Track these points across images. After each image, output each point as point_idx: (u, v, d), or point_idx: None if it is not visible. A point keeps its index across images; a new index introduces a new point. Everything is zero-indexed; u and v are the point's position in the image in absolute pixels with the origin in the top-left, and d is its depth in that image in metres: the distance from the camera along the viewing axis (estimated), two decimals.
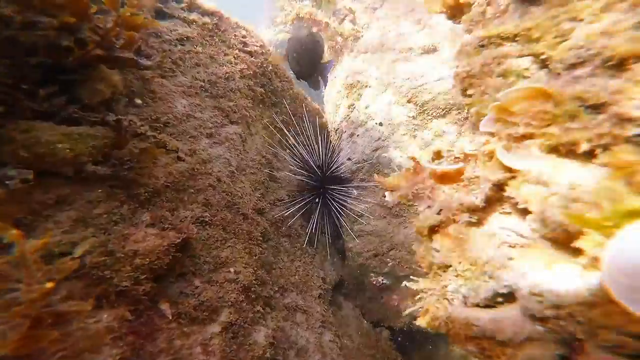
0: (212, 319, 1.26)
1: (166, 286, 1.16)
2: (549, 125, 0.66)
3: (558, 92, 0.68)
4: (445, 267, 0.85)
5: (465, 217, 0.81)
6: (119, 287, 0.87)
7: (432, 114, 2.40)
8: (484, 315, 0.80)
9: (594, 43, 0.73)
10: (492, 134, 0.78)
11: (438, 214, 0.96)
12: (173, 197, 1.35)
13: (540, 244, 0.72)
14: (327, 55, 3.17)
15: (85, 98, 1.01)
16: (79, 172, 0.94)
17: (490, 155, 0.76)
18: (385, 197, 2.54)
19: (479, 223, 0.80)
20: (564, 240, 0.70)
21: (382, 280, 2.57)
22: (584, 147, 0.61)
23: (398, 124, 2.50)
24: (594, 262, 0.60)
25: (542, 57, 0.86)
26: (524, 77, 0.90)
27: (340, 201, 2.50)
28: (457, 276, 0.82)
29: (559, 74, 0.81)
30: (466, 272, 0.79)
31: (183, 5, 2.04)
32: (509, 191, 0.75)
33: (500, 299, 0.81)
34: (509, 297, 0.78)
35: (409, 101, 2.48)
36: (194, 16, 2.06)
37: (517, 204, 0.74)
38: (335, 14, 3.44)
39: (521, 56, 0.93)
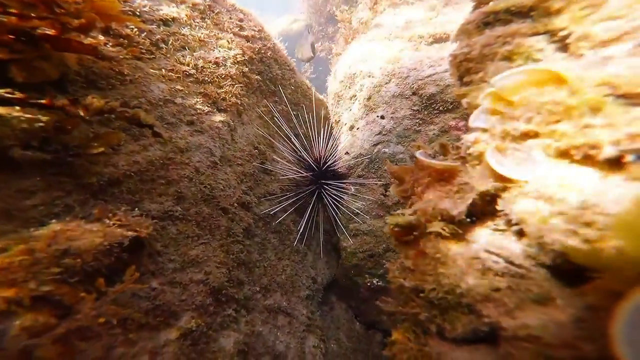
0: (168, 324, 1.15)
1: None
2: (559, 121, 0.48)
3: (577, 76, 0.50)
4: (418, 291, 0.69)
5: (437, 225, 0.64)
6: (37, 291, 0.77)
7: (439, 108, 2.19)
8: (459, 355, 0.65)
9: (637, 12, 0.54)
10: (484, 130, 0.61)
11: (413, 214, 0.80)
12: (137, 188, 1.24)
13: (535, 274, 0.55)
14: None
15: (17, 77, 0.89)
16: (3, 158, 0.83)
17: (480, 159, 0.59)
18: (383, 194, 2.36)
19: (457, 238, 0.63)
20: (566, 270, 0.53)
21: (377, 281, 2.44)
22: (608, 151, 0.43)
23: (401, 117, 2.30)
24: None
25: (563, 33, 0.67)
26: (534, 60, 0.71)
27: (336, 197, 2.34)
28: (430, 304, 0.67)
29: (582, 55, 0.62)
30: (441, 301, 0.63)
31: None
32: (501, 205, 0.58)
33: (481, 335, 0.65)
34: (491, 336, 0.62)
35: (414, 93, 2.27)
36: None
37: (510, 221, 0.57)
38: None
39: (535, 34, 0.74)
